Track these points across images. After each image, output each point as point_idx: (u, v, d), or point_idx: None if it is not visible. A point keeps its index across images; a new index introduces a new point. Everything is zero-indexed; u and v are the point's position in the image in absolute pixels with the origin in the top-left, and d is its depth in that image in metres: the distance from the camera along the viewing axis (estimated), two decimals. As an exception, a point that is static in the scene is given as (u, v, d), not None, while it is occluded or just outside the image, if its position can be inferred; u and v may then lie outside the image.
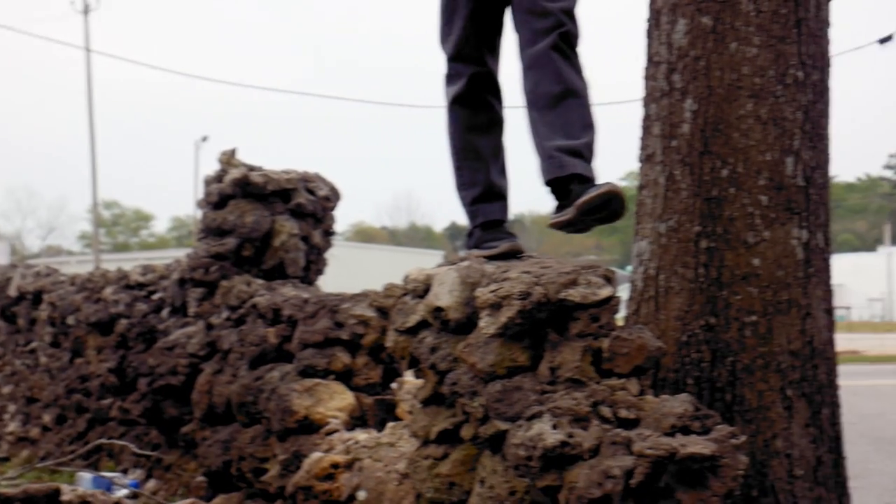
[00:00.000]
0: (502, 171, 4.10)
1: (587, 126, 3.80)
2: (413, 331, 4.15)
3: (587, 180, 3.70)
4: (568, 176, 3.71)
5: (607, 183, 3.59)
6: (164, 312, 8.07)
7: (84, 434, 8.89)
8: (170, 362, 7.53)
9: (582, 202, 3.59)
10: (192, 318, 7.61)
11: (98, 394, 8.60)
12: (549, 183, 3.75)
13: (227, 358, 7.04)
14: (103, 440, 8.10)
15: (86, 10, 36.67)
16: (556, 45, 3.79)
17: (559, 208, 3.76)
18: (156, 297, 8.28)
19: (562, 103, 3.76)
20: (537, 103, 3.80)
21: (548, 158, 3.73)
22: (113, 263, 11.02)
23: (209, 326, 7.37)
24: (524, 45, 3.86)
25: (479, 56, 4.04)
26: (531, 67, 3.81)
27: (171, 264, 8.31)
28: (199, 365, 7.33)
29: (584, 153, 3.75)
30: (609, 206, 3.59)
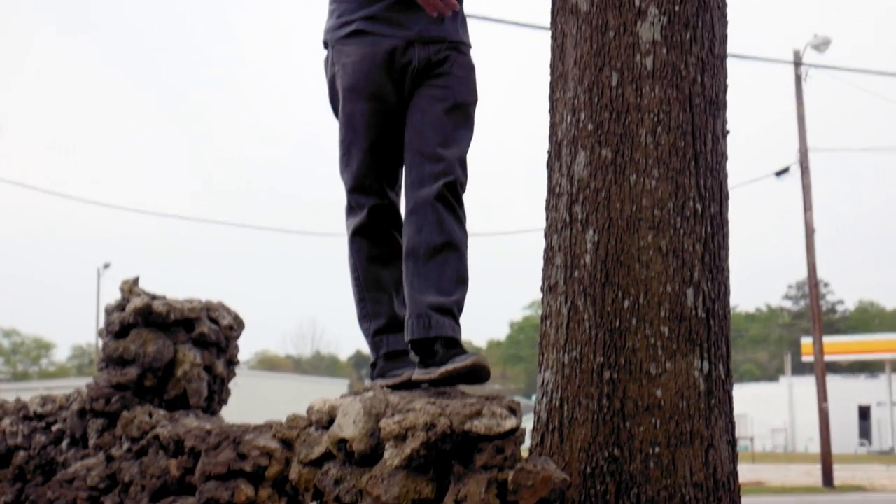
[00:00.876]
0: (404, 301, 4.12)
1: (461, 281, 3.93)
2: (317, 462, 4.09)
3: (453, 342, 3.81)
4: (434, 337, 3.81)
5: (475, 355, 3.75)
6: (64, 444, 7.88)
7: (-25, 572, 8.57)
8: (69, 495, 7.33)
9: (449, 371, 3.73)
10: (92, 450, 7.44)
11: (-9, 529, 8.33)
12: (414, 341, 3.85)
13: (128, 491, 6.87)
14: (-5, 578, 7.82)
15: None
16: (441, 194, 3.87)
17: (423, 364, 3.86)
18: (55, 428, 8.08)
19: (440, 255, 3.87)
20: (416, 252, 3.89)
21: (417, 316, 3.84)
22: (11, 393, 10.80)
23: (109, 458, 7.21)
24: (411, 186, 3.93)
25: (379, 188, 4.07)
26: (415, 213, 3.90)
27: (71, 394, 8.13)
28: (99, 498, 7.13)
29: (454, 311, 3.89)
30: (474, 376, 3.73)
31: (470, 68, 4.09)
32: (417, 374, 3.87)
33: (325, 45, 4.12)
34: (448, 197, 3.89)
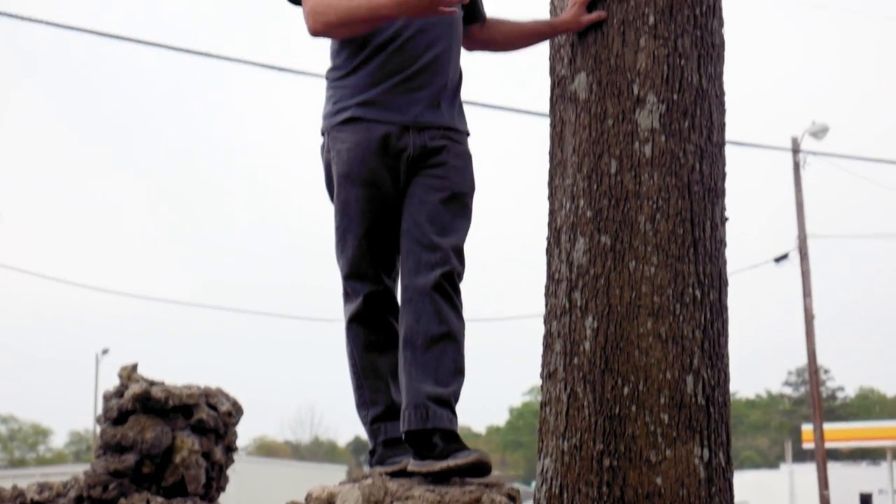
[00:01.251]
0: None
1: (458, 372, 3.90)
2: (314, 551, 4.04)
3: (452, 435, 3.79)
4: (431, 428, 3.79)
5: (476, 452, 3.71)
6: (59, 532, 7.81)
7: None
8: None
9: (450, 466, 3.69)
10: (86, 538, 7.38)
11: None
12: (411, 432, 3.82)
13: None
14: None
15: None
16: (439, 284, 3.87)
17: (419, 456, 3.82)
18: (51, 515, 8.02)
19: (437, 345, 3.86)
20: (414, 341, 3.87)
21: (415, 407, 3.82)
22: (8, 480, 10.72)
23: (104, 546, 7.15)
24: (408, 274, 3.92)
25: (375, 274, 4.06)
26: (412, 302, 3.89)
27: (68, 481, 8.09)
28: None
29: (452, 402, 3.86)
30: (475, 471, 3.70)
31: (467, 157, 4.11)
32: (414, 465, 3.83)
33: (322, 132, 4.15)
34: (445, 286, 3.89)
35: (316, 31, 3.93)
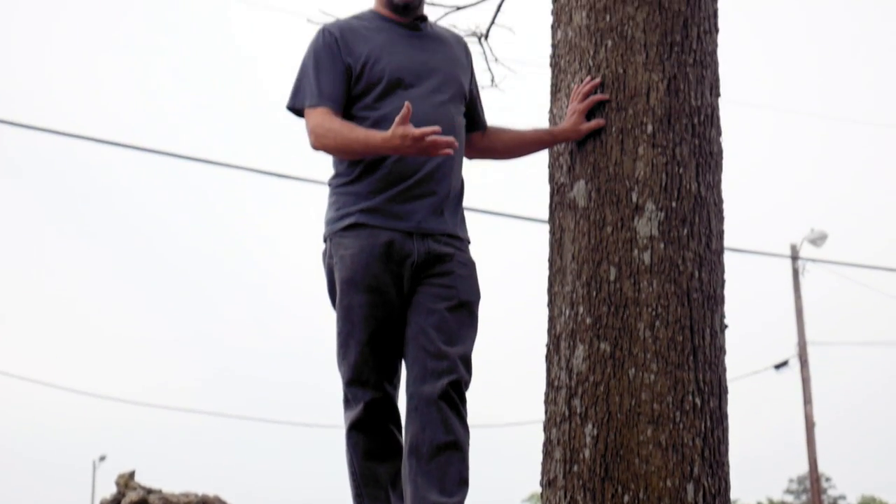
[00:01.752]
0: (401, 497, 4.06)
1: (463, 482, 3.88)
2: None
3: None
4: None
5: None
6: None
7: None
8: None
9: None
10: None
11: None
12: None
13: None
14: None
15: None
16: (446, 392, 3.86)
17: None
18: None
19: (443, 455, 3.84)
20: (420, 450, 3.85)
21: None
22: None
23: None
24: (414, 382, 3.92)
25: (376, 381, 4.03)
26: (418, 410, 3.88)
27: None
28: None
29: None
30: None
31: (472, 266, 4.13)
32: None
33: (325, 238, 4.16)
34: (452, 395, 3.87)
35: (316, 149, 4.03)
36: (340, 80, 4.05)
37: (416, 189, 4.02)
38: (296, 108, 4.11)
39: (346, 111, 4.05)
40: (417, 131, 3.75)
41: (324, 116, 4.00)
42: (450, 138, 3.80)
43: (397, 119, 3.77)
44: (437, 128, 3.79)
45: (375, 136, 3.88)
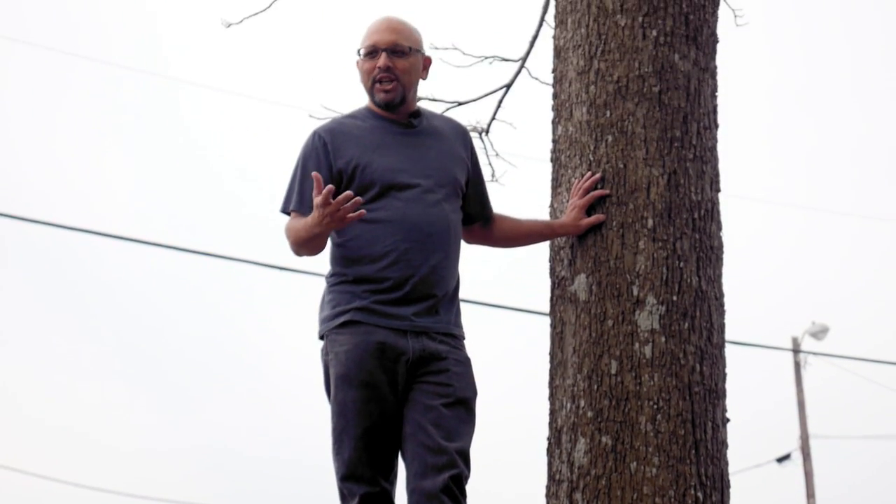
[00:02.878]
0: None
1: None
2: None
3: None
4: None
5: None
6: None
7: None
8: None
9: None
10: None
11: None
12: None
13: None
14: None
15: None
16: (447, 487, 3.85)
17: None
18: None
19: None
20: None
21: None
22: None
23: None
24: (414, 478, 3.90)
25: (371, 476, 4.00)
26: None
27: None
28: None
29: None
30: None
31: (467, 363, 4.12)
32: None
33: (320, 336, 4.15)
34: (454, 490, 3.85)
35: (293, 252, 4.12)
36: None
37: (411, 294, 4.02)
38: (286, 212, 4.16)
39: None
40: (322, 201, 3.78)
41: (294, 220, 4.06)
42: (357, 200, 3.81)
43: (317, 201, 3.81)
44: (346, 194, 3.81)
45: (308, 223, 3.93)
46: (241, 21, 5.93)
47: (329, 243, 4.12)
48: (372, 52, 4.16)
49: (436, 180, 4.15)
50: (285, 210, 4.14)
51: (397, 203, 4.03)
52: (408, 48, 4.18)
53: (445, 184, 4.18)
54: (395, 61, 4.14)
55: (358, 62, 4.23)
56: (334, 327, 4.07)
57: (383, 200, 4.06)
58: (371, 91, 4.19)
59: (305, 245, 4.03)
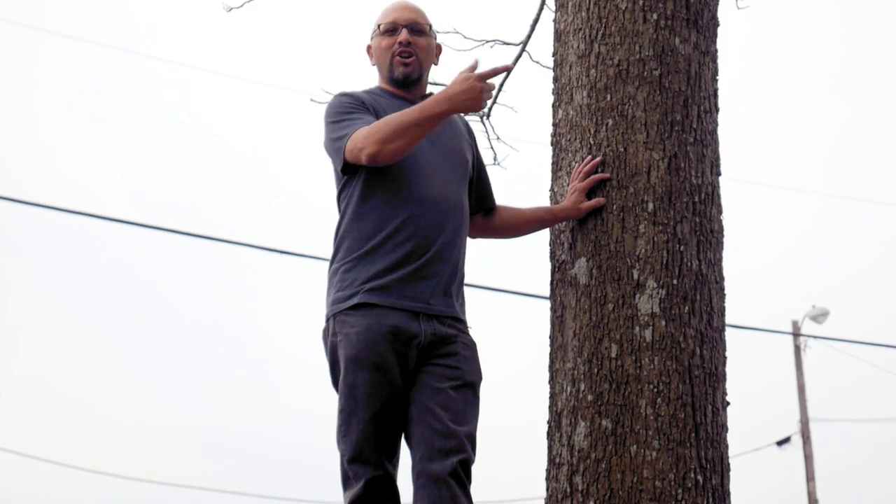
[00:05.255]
0: None
1: None
2: None
3: None
4: None
5: None
6: None
7: None
8: None
9: None
10: None
11: None
12: None
13: None
14: None
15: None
16: (455, 471, 3.85)
17: None
18: None
19: None
20: None
21: None
22: None
23: None
24: (420, 460, 3.89)
25: (377, 459, 4.00)
26: (426, 488, 3.85)
27: None
28: None
29: None
30: None
31: (474, 347, 4.13)
32: None
33: (327, 317, 4.13)
34: (461, 474, 3.85)
35: (373, 154, 3.91)
36: (372, 116, 4.04)
37: (426, 269, 4.02)
38: (348, 164, 4.04)
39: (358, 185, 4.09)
40: (484, 72, 3.83)
41: (364, 127, 3.97)
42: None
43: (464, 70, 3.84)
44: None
45: (427, 100, 3.92)
46: (241, 5, 5.94)
47: (345, 220, 4.13)
48: (391, 30, 4.19)
49: (450, 160, 4.19)
50: (346, 157, 4.01)
51: (417, 179, 4.03)
52: (427, 27, 4.24)
53: (459, 165, 4.22)
54: (414, 38, 4.19)
55: (372, 42, 4.25)
56: (345, 309, 4.05)
57: (404, 176, 4.06)
58: (390, 65, 4.20)
59: (408, 131, 3.90)
